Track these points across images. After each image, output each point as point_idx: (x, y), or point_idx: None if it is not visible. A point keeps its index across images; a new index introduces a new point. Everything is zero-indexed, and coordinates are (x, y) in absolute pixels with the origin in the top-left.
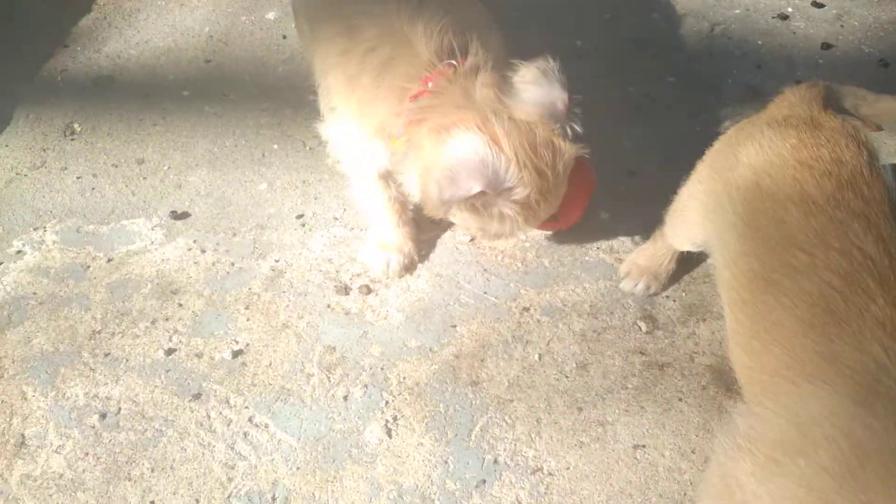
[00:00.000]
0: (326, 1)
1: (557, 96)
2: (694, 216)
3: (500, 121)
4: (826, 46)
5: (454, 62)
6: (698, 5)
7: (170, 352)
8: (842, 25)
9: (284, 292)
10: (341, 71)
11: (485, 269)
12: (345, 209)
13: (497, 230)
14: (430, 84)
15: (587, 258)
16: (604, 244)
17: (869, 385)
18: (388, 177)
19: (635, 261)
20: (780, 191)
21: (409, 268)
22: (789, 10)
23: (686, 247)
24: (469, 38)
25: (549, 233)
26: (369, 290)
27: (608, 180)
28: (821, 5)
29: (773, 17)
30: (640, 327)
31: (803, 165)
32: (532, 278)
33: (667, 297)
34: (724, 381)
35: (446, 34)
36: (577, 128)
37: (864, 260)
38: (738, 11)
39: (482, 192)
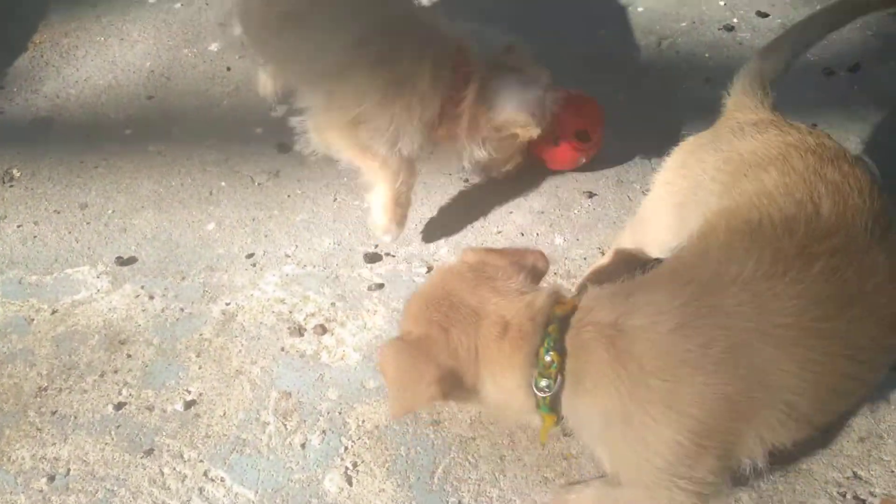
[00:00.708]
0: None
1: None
2: (664, 218)
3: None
4: None
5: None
6: (645, 20)
7: (119, 406)
8: None
9: (237, 337)
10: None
11: None
12: (296, 245)
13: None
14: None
15: (544, 284)
16: (561, 269)
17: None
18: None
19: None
20: (763, 159)
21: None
22: (734, 21)
23: (656, 253)
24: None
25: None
26: (324, 330)
27: (564, 203)
28: (765, 15)
29: (718, 29)
30: None
31: (789, 146)
32: None
33: None
34: None
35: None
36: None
37: (812, 212)
38: (684, 24)
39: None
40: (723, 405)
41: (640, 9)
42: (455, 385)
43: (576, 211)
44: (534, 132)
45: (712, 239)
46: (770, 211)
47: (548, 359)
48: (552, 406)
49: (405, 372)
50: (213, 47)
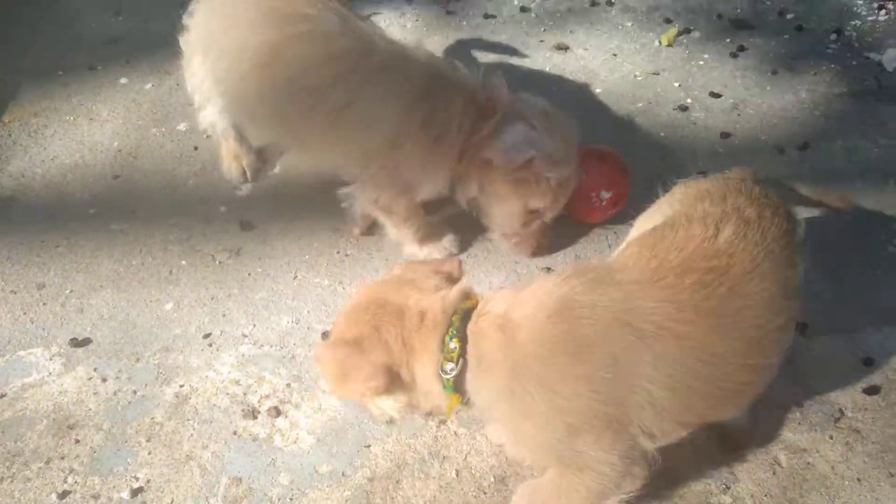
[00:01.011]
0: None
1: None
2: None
3: (542, 110)
4: (725, 135)
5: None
6: (604, 101)
7: (64, 495)
8: (738, 114)
9: (189, 420)
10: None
11: None
12: (254, 325)
13: (538, 203)
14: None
15: None
16: None
17: None
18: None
19: None
20: (708, 194)
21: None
22: (689, 101)
23: None
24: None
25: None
26: (279, 412)
27: (523, 279)
28: (718, 95)
29: (673, 109)
30: None
31: (734, 188)
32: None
33: None
34: None
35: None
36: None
37: (711, 235)
38: (640, 105)
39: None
40: (583, 386)
41: (597, 90)
42: (393, 378)
43: None
44: (507, 166)
45: (629, 248)
46: (680, 229)
47: (451, 345)
48: (456, 387)
49: (345, 368)
50: (182, 127)
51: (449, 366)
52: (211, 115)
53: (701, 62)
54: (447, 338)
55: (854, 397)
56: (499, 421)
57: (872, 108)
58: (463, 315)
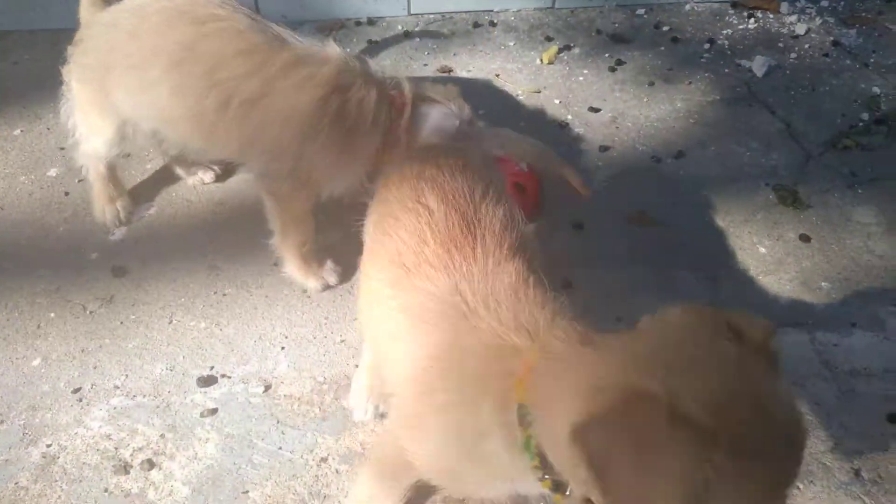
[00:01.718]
0: None
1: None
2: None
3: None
4: (604, 149)
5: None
6: (484, 121)
7: None
8: (617, 127)
9: (56, 481)
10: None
11: (279, 422)
12: (126, 375)
13: None
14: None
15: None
16: None
17: None
18: None
19: (360, 383)
20: None
21: None
22: (569, 117)
23: None
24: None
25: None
26: (152, 465)
27: None
28: (597, 110)
29: (554, 126)
30: None
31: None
32: (330, 424)
33: None
34: None
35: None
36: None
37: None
38: (522, 124)
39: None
40: None
41: (480, 112)
42: None
43: None
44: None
45: None
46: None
47: None
48: None
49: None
50: (52, 172)
51: None
52: (94, 146)
53: (581, 78)
54: None
55: None
56: None
57: (744, 113)
58: None
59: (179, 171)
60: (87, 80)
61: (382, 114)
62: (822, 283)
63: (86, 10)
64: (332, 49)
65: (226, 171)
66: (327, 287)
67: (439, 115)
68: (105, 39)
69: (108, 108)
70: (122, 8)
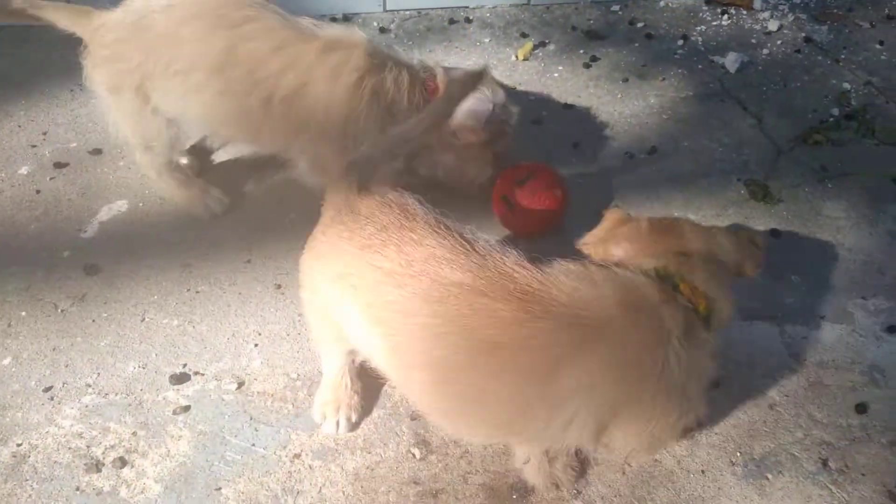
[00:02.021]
0: None
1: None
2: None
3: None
4: (577, 145)
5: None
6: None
7: None
8: (591, 124)
9: (27, 480)
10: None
11: (252, 418)
12: (98, 373)
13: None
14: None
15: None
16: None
17: None
18: None
19: (323, 398)
20: None
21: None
22: (544, 113)
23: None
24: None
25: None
26: (124, 463)
27: None
28: (571, 106)
29: (529, 123)
30: (413, 454)
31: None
32: (303, 420)
33: None
34: (498, 498)
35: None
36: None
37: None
38: None
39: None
40: None
41: None
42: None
43: None
44: (480, 136)
45: None
46: None
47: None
48: None
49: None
50: (23, 170)
51: None
52: (153, 152)
53: (556, 74)
54: None
55: None
56: None
57: (716, 109)
58: None
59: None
60: (121, 87)
61: (416, 94)
62: (792, 277)
63: (74, 21)
64: (358, 35)
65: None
66: None
67: (473, 99)
68: (139, 45)
69: (148, 112)
70: (149, 8)
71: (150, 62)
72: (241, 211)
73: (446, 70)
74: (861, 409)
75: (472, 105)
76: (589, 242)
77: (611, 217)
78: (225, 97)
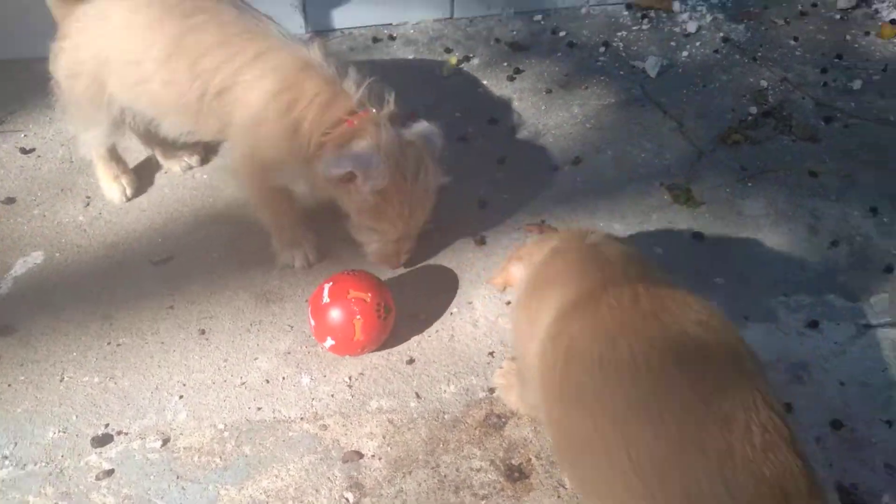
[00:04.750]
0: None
1: (437, 135)
2: None
3: (385, 129)
4: (502, 161)
5: (373, 108)
6: None
7: None
8: (516, 137)
9: None
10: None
11: (179, 477)
12: (16, 443)
13: (366, 219)
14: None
15: (291, 434)
16: (307, 412)
17: None
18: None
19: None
20: None
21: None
22: (469, 129)
23: None
24: (388, 94)
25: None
26: None
27: (310, 340)
28: (496, 121)
29: (455, 140)
30: (347, 499)
31: None
32: (232, 473)
33: (373, 456)
34: None
35: (367, 89)
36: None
37: None
38: None
39: (352, 174)
40: None
41: None
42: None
43: (321, 348)
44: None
45: None
46: None
47: None
48: None
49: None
50: None
51: None
52: (93, 136)
53: (480, 89)
54: None
55: None
56: None
57: (638, 114)
58: None
59: (162, 159)
60: (80, 73)
61: (326, 118)
62: (717, 279)
63: (57, 7)
64: (309, 50)
65: (123, 207)
66: (306, 264)
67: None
68: (98, 33)
69: (103, 99)
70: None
71: (106, 51)
72: (163, 253)
73: (390, 113)
74: (787, 409)
75: (427, 131)
76: (494, 280)
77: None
78: (169, 88)
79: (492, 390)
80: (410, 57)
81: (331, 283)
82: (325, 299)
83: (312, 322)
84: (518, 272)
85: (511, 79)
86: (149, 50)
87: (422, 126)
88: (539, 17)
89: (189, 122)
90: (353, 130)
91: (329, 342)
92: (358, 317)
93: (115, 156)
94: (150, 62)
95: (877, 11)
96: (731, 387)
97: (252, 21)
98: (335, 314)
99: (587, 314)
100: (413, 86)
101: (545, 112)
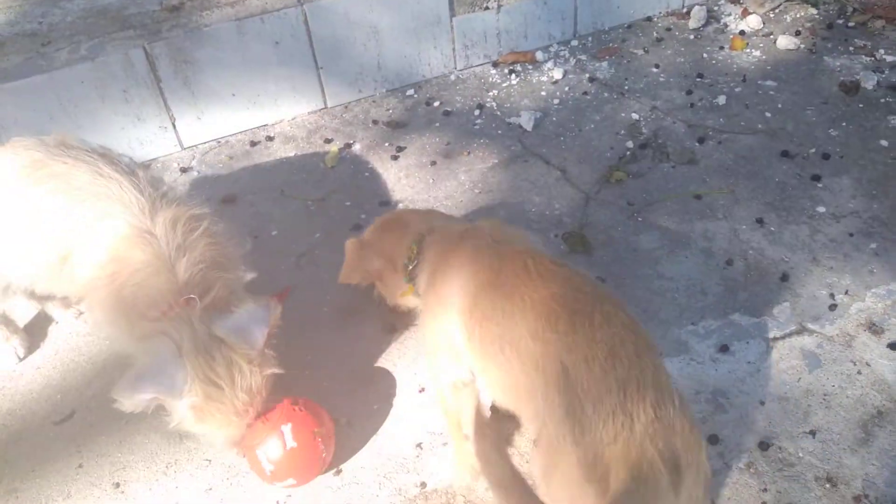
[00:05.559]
0: None
1: (258, 329)
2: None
3: (197, 328)
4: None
5: (194, 296)
6: (280, 243)
7: None
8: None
9: None
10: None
11: None
12: None
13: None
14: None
15: None
16: None
17: None
18: None
19: None
20: None
21: None
22: (362, 216)
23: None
24: (215, 279)
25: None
26: None
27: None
28: (387, 203)
29: (347, 230)
30: None
31: None
32: None
33: None
34: None
35: (199, 273)
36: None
37: None
38: (318, 235)
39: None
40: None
41: (273, 233)
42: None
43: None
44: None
45: None
46: None
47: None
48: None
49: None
50: None
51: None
52: None
53: (367, 174)
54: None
55: None
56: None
57: (522, 170)
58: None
59: (52, 309)
60: None
61: (142, 301)
62: None
63: None
64: (153, 220)
65: (14, 377)
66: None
67: (252, 317)
68: None
69: None
70: None
71: None
72: (64, 410)
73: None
74: (713, 440)
75: (244, 326)
76: (345, 278)
77: (348, 249)
78: (31, 255)
79: (424, 484)
80: (292, 154)
81: (290, 425)
82: (291, 443)
83: (269, 468)
84: (376, 264)
85: (395, 158)
86: (10, 220)
87: (239, 317)
88: (411, 91)
89: (54, 286)
90: (161, 327)
91: (290, 482)
92: (323, 453)
93: (3, 320)
94: (8, 225)
95: (726, 26)
96: (609, 312)
97: (108, 182)
98: (303, 454)
99: (491, 289)
100: (298, 182)
101: (434, 184)
